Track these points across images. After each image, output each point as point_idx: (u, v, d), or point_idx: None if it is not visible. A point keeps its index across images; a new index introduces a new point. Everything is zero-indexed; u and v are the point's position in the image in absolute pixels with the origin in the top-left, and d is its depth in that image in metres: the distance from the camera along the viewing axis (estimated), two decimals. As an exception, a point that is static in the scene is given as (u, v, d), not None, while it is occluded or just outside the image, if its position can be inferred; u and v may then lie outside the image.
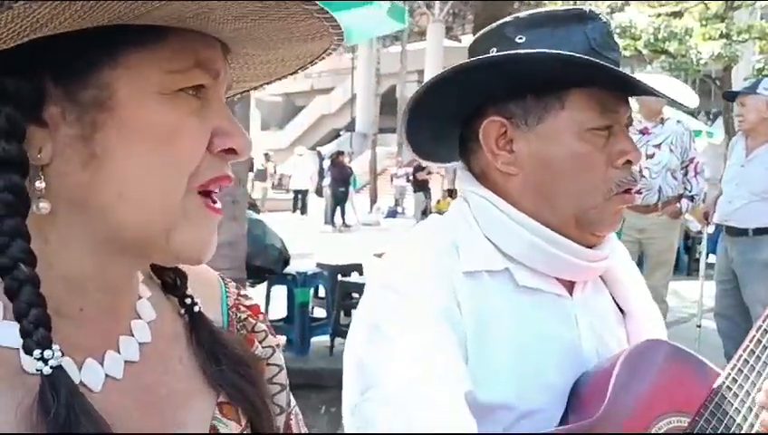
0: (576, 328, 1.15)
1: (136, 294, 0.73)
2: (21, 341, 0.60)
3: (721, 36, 14.69)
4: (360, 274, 6.63)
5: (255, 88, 0.84)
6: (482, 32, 1.19)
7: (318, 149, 28.62)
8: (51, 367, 0.58)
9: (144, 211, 0.64)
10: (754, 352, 1.10)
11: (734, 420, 1.06)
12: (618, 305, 1.25)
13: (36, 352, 0.58)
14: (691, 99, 1.20)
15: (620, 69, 1.11)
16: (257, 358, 0.81)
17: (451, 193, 20.57)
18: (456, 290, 1.08)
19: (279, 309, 5.93)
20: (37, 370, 0.58)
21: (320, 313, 6.31)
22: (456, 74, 1.12)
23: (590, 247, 1.15)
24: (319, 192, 21.41)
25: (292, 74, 0.80)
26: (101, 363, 0.66)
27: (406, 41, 26.53)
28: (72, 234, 0.64)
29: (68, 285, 0.65)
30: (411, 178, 19.26)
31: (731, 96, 4.77)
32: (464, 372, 1.03)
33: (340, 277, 6.32)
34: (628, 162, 1.13)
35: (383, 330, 1.06)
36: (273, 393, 0.83)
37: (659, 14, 15.83)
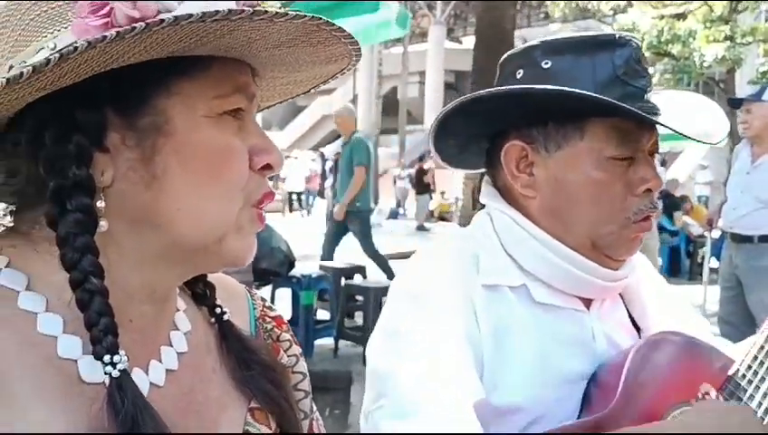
0: (593, 338, 1.17)
1: (175, 306, 0.78)
2: (80, 352, 0.66)
3: (725, 39, 14.69)
4: (364, 276, 6.66)
5: (269, 106, 0.90)
6: (512, 52, 1.20)
7: (321, 150, 28.63)
8: (119, 370, 0.63)
9: (201, 223, 0.69)
10: None
11: (750, 405, 1.06)
12: (634, 322, 1.26)
13: (106, 358, 0.63)
14: (717, 127, 1.14)
15: (646, 97, 1.10)
16: (283, 365, 0.87)
17: (443, 194, 20.60)
18: (473, 301, 1.10)
19: (283, 311, 5.92)
20: (106, 373, 0.63)
21: (323, 315, 6.32)
22: (473, 102, 1.14)
23: (609, 268, 1.16)
24: (321, 193, 21.44)
25: (305, 93, 0.86)
26: (146, 372, 0.71)
27: (407, 42, 26.55)
28: (129, 249, 0.70)
29: (122, 297, 0.69)
30: (414, 180, 19.24)
31: (736, 103, 4.76)
32: (475, 383, 1.05)
33: (344, 280, 6.34)
34: (648, 190, 1.13)
35: (400, 338, 1.08)
36: (298, 399, 0.89)
37: (663, 16, 15.84)
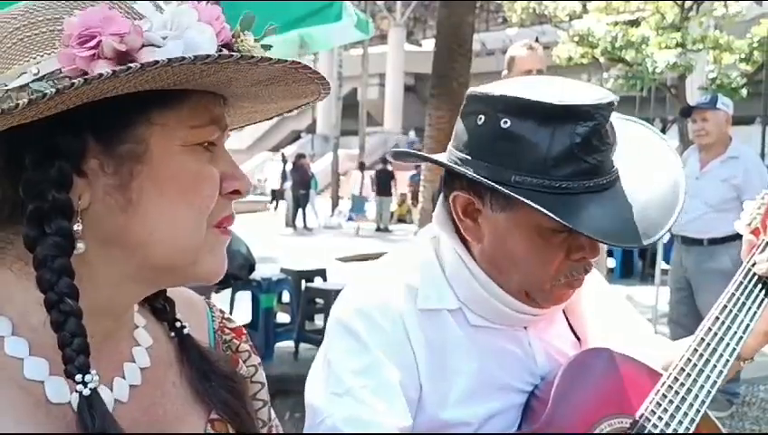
0: (531, 353, 1.22)
1: (133, 321, 0.80)
2: (46, 374, 0.67)
3: (676, 45, 15.07)
4: (324, 279, 6.67)
5: (233, 129, 0.92)
6: (478, 91, 1.16)
7: (282, 151, 28.47)
8: (90, 389, 0.65)
9: (173, 246, 0.72)
10: (697, 351, 1.17)
11: (675, 418, 1.13)
12: (574, 332, 1.32)
13: (78, 377, 0.65)
14: (673, 188, 1.16)
15: (602, 168, 1.09)
16: (242, 376, 0.89)
17: (404, 199, 20.68)
18: (406, 325, 1.15)
19: (243, 314, 5.91)
20: (77, 391, 0.65)
21: (283, 318, 6.31)
22: (419, 158, 1.20)
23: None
24: (280, 195, 21.37)
25: (268, 120, 0.90)
26: (111, 389, 0.73)
27: (367, 44, 26.57)
28: (99, 270, 0.71)
29: (88, 315, 0.70)
30: (376, 182, 19.23)
31: (686, 112, 4.87)
32: (401, 410, 1.11)
33: (304, 283, 6.34)
34: (584, 257, 1.14)
35: (331, 371, 1.14)
36: (257, 408, 0.91)
37: (617, 23, 16.17)
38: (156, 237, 0.70)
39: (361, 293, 1.22)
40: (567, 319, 1.32)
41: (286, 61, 0.68)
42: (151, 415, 0.76)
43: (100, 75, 0.60)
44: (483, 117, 1.13)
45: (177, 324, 0.83)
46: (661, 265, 6.46)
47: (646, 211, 1.11)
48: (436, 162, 1.21)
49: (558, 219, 1.03)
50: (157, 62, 0.61)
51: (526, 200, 1.05)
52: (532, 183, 1.07)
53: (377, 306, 1.16)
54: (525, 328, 1.23)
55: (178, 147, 0.71)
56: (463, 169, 1.12)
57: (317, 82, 0.75)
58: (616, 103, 1.11)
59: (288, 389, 4.82)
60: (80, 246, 0.68)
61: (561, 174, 1.07)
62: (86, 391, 0.65)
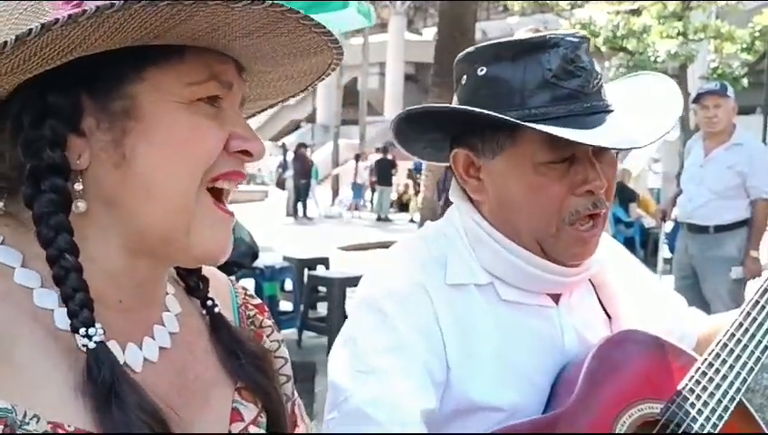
0: (561, 334, 1.20)
1: (164, 289, 0.82)
2: (56, 304, 0.70)
3: (678, 35, 15.02)
4: (327, 267, 6.68)
5: (272, 106, 0.93)
6: (459, 57, 1.22)
7: (282, 141, 28.43)
8: (95, 342, 0.67)
9: (166, 208, 0.72)
10: (735, 336, 1.14)
11: (708, 404, 1.11)
12: (605, 309, 1.30)
13: (82, 331, 0.67)
14: (667, 119, 1.16)
15: (588, 94, 1.10)
16: (270, 354, 0.91)
17: (406, 189, 20.70)
18: (434, 303, 1.14)
19: (246, 303, 5.92)
20: (83, 345, 0.67)
21: (285, 306, 6.32)
22: (409, 117, 1.20)
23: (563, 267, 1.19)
24: (281, 184, 21.36)
25: (302, 91, 0.89)
26: (140, 347, 0.75)
27: (367, 33, 26.49)
28: (107, 231, 0.73)
29: (108, 278, 0.74)
30: (377, 171, 19.24)
31: (697, 99, 4.80)
32: (427, 392, 1.08)
33: (307, 271, 6.34)
34: (590, 191, 1.13)
35: (356, 348, 1.12)
36: (281, 383, 0.92)
37: (618, 12, 16.11)
38: (152, 195, 0.71)
39: (389, 272, 1.20)
40: (598, 297, 1.30)
41: (265, 2, 0.67)
42: (183, 378, 0.78)
43: (56, 21, 0.61)
44: (465, 76, 1.18)
45: (209, 303, 0.85)
46: (663, 253, 6.46)
47: (638, 126, 1.13)
48: (446, 108, 1.20)
49: (541, 129, 1.06)
50: (113, 4, 0.61)
51: (512, 119, 1.08)
52: (514, 116, 1.09)
53: (405, 286, 1.15)
54: (557, 304, 1.21)
55: (174, 103, 0.71)
56: (462, 107, 1.14)
57: (314, 31, 0.73)
58: (586, 39, 1.15)
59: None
60: (79, 205, 0.70)
61: (541, 101, 1.10)
62: (91, 345, 0.67)
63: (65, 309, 0.69)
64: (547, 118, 1.09)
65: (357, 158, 22.56)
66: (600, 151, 1.14)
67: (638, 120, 1.14)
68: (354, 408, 1.06)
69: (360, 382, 1.08)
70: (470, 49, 1.21)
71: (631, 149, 1.21)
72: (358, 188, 21.18)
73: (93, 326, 0.67)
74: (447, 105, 1.17)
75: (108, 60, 0.68)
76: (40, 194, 0.68)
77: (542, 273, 1.17)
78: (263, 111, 0.92)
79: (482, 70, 1.15)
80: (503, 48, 1.15)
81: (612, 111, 1.14)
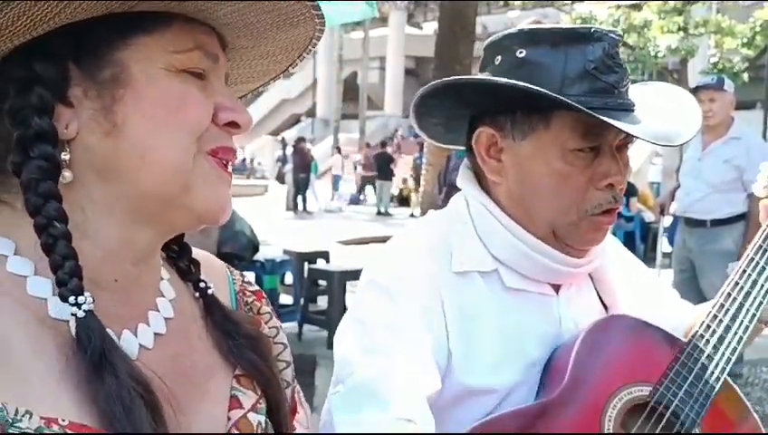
0: (559, 323, 1.22)
1: (159, 271, 0.81)
2: (49, 293, 0.69)
3: (678, 30, 15.01)
4: (327, 261, 6.69)
5: (254, 90, 0.93)
6: (492, 38, 1.23)
7: (282, 135, 28.41)
8: (84, 311, 0.67)
9: (163, 172, 0.72)
10: (717, 317, 1.18)
11: (696, 386, 1.14)
12: (603, 302, 1.32)
13: (71, 299, 0.66)
14: (687, 126, 1.18)
15: (620, 92, 1.13)
16: (266, 336, 0.89)
17: (405, 181, 20.73)
18: (440, 289, 1.15)
19: (246, 296, 5.93)
20: (72, 314, 0.67)
21: (286, 299, 6.33)
22: (444, 87, 1.19)
23: (572, 256, 1.21)
24: (281, 178, 21.40)
25: (283, 72, 0.89)
26: (135, 334, 0.74)
27: (367, 27, 26.45)
28: (103, 203, 0.72)
29: (103, 255, 0.73)
30: (377, 165, 19.25)
31: (693, 93, 4.84)
32: (429, 378, 1.09)
33: (307, 264, 6.36)
34: (611, 184, 1.15)
35: (364, 327, 1.13)
36: (280, 369, 0.91)
37: (619, 6, 16.10)
38: (147, 160, 0.71)
39: (397, 256, 1.22)
40: (596, 289, 1.32)
41: None
42: (179, 365, 0.77)
43: None
44: (499, 57, 1.19)
45: (202, 285, 0.84)
46: (662, 247, 6.48)
47: (667, 125, 1.16)
48: (478, 79, 1.20)
49: (590, 112, 1.07)
50: None
51: (559, 96, 1.08)
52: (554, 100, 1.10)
53: (413, 271, 1.16)
54: (557, 293, 1.23)
55: (162, 70, 0.72)
56: (504, 80, 1.13)
57: None
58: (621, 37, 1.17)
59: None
60: (66, 174, 0.69)
61: (579, 91, 1.11)
62: (80, 313, 0.66)
63: (39, 278, 0.69)
64: (587, 106, 1.10)
65: (339, 150, 23.22)
66: (619, 148, 1.17)
67: (662, 118, 1.17)
68: (360, 382, 1.07)
69: (366, 358, 1.09)
70: (505, 32, 1.21)
71: (656, 145, 1.23)
72: (336, 180, 21.72)
73: (82, 294, 0.66)
74: (497, 78, 1.15)
75: (92, 27, 0.69)
76: (28, 160, 0.67)
77: (549, 262, 1.19)
78: (244, 96, 0.92)
79: (521, 52, 1.15)
80: (544, 34, 1.16)
81: (634, 110, 1.17)
